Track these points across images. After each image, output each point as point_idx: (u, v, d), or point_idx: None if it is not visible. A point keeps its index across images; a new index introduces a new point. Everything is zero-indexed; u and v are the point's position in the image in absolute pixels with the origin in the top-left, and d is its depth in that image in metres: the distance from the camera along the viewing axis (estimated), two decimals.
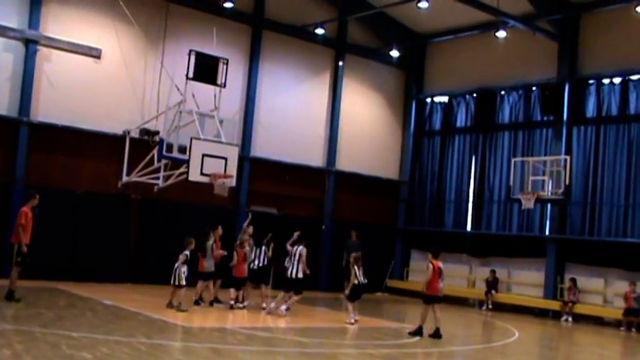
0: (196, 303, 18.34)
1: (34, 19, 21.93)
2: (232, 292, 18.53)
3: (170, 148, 20.20)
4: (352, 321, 17.43)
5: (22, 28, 21.77)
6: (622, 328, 21.88)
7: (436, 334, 15.89)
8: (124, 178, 22.38)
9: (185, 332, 14.62)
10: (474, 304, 26.72)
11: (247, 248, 18.61)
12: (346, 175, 29.02)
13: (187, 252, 17.43)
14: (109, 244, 22.90)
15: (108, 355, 10.62)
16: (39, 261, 18.65)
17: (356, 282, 17.63)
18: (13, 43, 21.78)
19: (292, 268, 17.91)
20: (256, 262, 18.59)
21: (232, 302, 18.36)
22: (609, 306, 23.64)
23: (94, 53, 23.04)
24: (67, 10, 22.69)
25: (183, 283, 17.24)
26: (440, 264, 16.34)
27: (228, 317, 17.54)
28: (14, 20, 21.79)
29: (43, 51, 22.11)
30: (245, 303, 18.69)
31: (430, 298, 16.32)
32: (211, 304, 18.76)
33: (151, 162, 21.38)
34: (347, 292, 18.04)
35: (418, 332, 16.08)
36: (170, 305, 17.15)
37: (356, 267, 17.66)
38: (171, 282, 17.27)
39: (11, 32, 21.68)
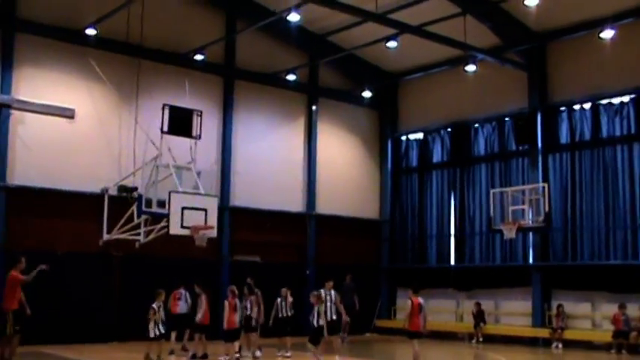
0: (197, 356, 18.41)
1: (5, 84, 21.92)
2: (236, 345, 18.24)
3: (149, 203, 20.14)
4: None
5: None
6: (612, 351, 21.86)
7: None
8: (105, 236, 22.23)
9: None
10: (463, 337, 26.59)
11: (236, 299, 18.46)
12: (327, 218, 29.00)
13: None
14: (92, 303, 22.68)
15: None
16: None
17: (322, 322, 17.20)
18: None
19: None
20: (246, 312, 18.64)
21: (237, 355, 18.13)
22: (598, 329, 23.64)
23: (68, 113, 23.03)
24: (38, 72, 22.72)
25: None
26: (420, 300, 16.42)
27: None
28: None
29: (16, 114, 22.07)
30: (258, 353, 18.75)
31: (412, 333, 16.41)
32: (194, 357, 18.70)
33: (130, 218, 21.25)
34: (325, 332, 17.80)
35: None
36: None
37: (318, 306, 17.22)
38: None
39: None
